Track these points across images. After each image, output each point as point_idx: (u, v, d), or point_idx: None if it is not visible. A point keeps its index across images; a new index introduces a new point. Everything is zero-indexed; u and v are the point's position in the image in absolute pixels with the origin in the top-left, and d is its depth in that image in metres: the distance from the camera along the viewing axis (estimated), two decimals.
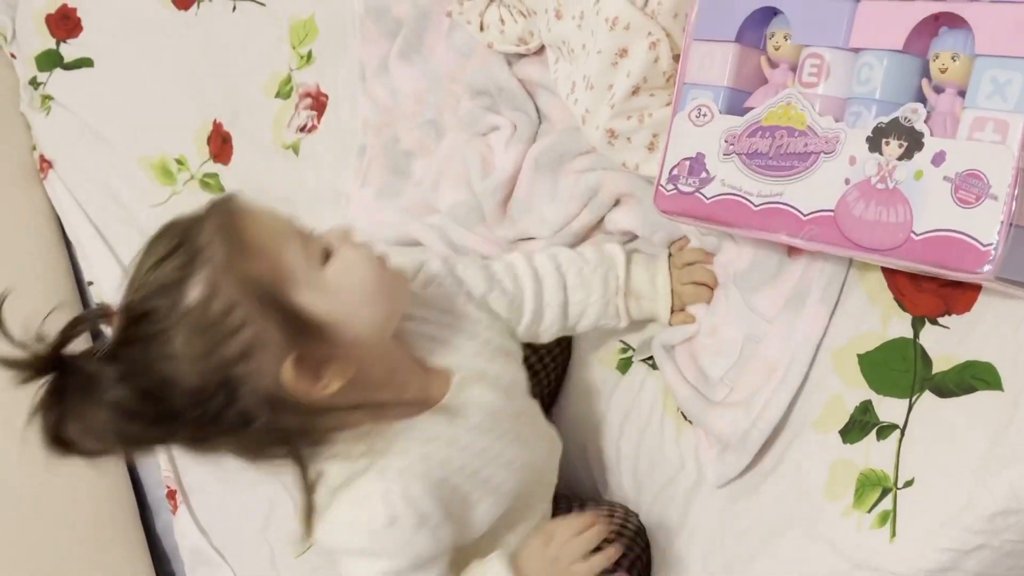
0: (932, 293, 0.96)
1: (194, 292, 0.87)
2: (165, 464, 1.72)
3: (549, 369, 1.32)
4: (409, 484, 1.00)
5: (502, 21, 1.28)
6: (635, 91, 1.12)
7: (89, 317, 0.96)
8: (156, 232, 0.92)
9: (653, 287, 1.17)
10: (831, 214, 0.90)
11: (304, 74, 1.66)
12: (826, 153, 0.91)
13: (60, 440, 0.88)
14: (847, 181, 0.90)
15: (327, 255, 0.94)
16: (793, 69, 0.99)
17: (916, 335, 0.97)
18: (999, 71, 0.82)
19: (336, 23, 1.62)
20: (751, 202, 0.96)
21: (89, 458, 0.89)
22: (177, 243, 0.89)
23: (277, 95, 1.70)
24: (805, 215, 0.92)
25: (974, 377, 0.92)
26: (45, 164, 1.92)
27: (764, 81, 1.02)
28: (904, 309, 0.98)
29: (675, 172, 1.02)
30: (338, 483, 0.99)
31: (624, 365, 1.26)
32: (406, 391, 1.02)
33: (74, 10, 1.95)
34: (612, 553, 1.06)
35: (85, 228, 1.87)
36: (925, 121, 0.86)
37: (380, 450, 0.99)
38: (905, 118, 0.87)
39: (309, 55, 1.65)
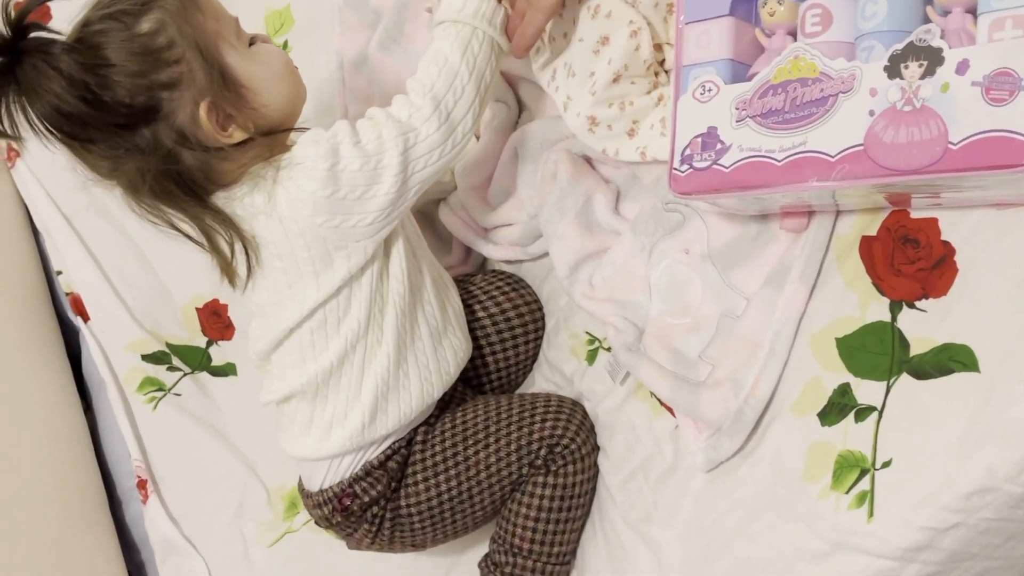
0: (910, 277, 0.97)
1: (145, 24, 1.06)
2: (136, 453, 1.71)
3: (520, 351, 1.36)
4: None
5: None
6: (616, 79, 1.13)
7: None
8: None
9: None
10: (860, 148, 0.90)
11: None
12: (844, 92, 0.91)
13: None
14: (871, 113, 0.89)
15: (252, 42, 1.15)
16: (790, 34, 1.00)
17: (894, 318, 0.98)
18: None
19: (312, 13, 1.62)
20: (774, 159, 0.95)
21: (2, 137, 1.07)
22: None
23: None
24: (833, 156, 0.91)
25: (951, 359, 0.93)
26: (12, 152, 1.90)
27: (762, 52, 1.03)
28: (882, 293, 1.00)
29: (687, 152, 1.01)
30: (267, 194, 1.11)
31: (591, 356, 1.28)
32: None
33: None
34: None
35: (54, 217, 1.84)
36: (940, 37, 0.87)
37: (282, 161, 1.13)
38: (920, 39, 0.87)
39: (284, 45, 1.65)
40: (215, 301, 1.73)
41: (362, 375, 1.19)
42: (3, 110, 1.05)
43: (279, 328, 1.18)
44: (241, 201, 1.13)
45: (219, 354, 1.74)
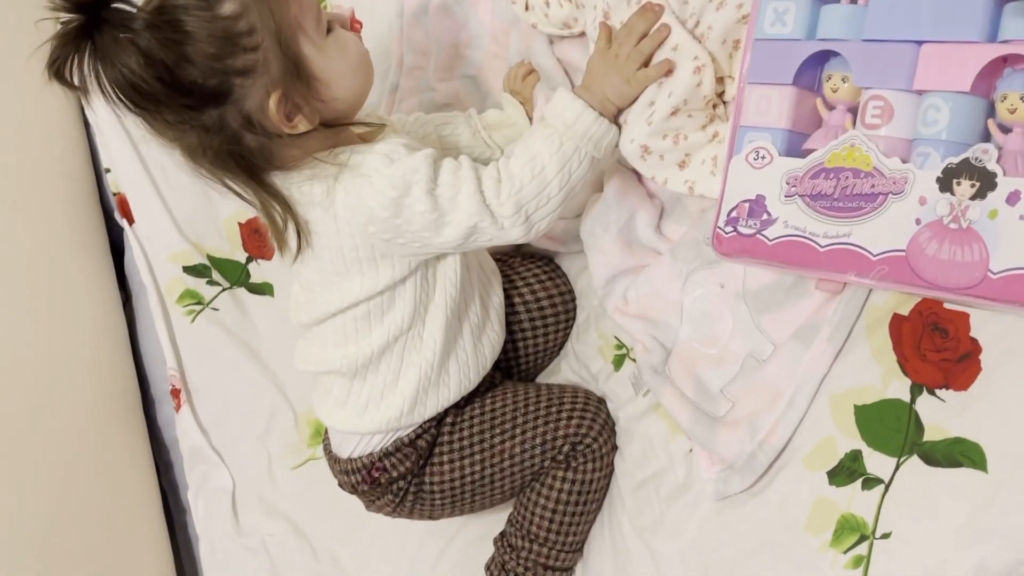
0: (934, 365, 1.00)
1: (228, 6, 1.06)
2: (172, 363, 1.77)
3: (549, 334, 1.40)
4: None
5: (547, 4, 1.27)
6: (674, 112, 1.13)
7: None
8: None
9: (503, 112, 1.37)
10: (902, 254, 0.92)
11: None
12: (895, 194, 0.93)
13: (60, 69, 1.04)
14: (918, 221, 0.91)
15: (330, 29, 1.14)
16: (851, 111, 1.00)
17: (913, 400, 1.02)
18: None
19: None
20: (817, 243, 0.97)
21: (71, 89, 1.06)
22: None
23: None
24: (875, 255, 0.94)
25: (962, 454, 0.97)
26: None
27: (820, 123, 1.03)
28: (905, 373, 1.02)
29: (734, 214, 1.03)
30: (326, 188, 1.13)
31: (618, 361, 1.32)
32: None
33: None
34: (663, 66, 1.14)
35: (105, 112, 1.85)
36: (996, 161, 0.88)
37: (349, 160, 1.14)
38: (976, 158, 0.88)
39: None
40: (257, 219, 1.75)
41: (401, 364, 1.23)
42: (75, 65, 1.05)
43: (324, 309, 1.22)
44: (299, 187, 1.15)
45: (258, 272, 1.78)
